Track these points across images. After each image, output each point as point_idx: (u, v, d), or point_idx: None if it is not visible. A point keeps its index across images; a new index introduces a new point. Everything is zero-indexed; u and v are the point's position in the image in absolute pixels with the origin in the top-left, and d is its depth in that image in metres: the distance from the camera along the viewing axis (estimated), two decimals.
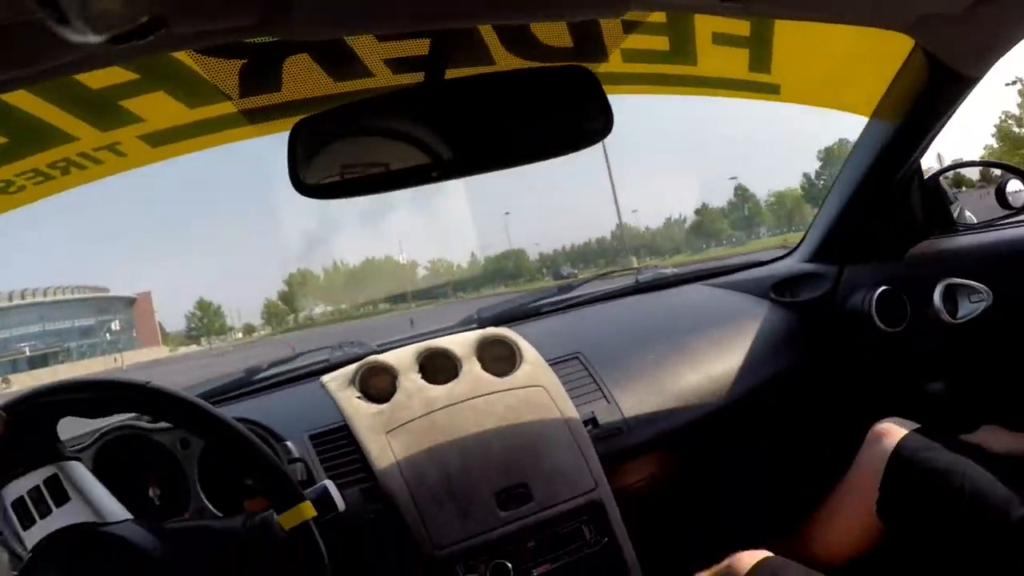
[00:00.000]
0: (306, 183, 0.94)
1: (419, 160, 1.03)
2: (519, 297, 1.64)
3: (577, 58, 1.23)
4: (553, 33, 1.18)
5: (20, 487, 0.72)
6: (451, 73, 0.98)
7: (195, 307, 56.25)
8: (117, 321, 51.56)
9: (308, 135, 0.99)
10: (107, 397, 0.79)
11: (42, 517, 0.71)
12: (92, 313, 49.90)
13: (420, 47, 1.11)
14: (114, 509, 0.75)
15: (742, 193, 51.29)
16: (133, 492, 1.17)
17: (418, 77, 1.14)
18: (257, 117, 1.12)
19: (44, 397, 0.74)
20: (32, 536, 0.71)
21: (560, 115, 1.00)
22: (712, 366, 1.41)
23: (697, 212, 53.98)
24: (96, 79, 1.01)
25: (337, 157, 1.02)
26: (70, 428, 0.89)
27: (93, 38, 0.33)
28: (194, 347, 49.37)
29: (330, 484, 0.87)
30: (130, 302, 53.95)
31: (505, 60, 1.19)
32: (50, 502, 0.71)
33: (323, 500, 0.84)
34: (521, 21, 1.11)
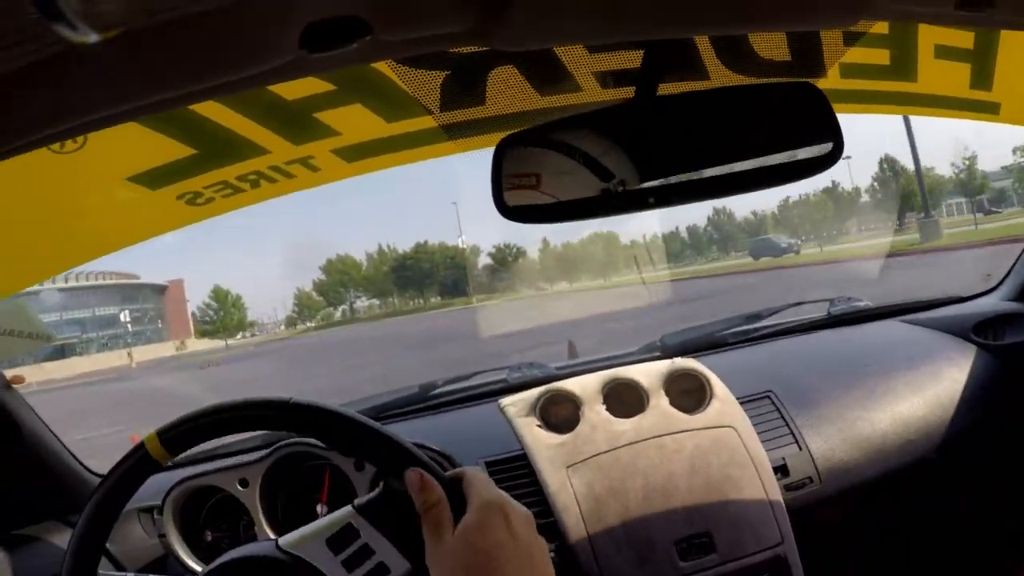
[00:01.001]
0: (509, 205, 0.88)
1: (629, 183, 0.96)
2: (706, 325, 1.54)
3: (794, 73, 1.11)
4: (771, 45, 1.07)
5: None
6: (663, 89, 0.91)
7: (210, 296, 44.54)
8: (143, 310, 46.38)
9: (512, 153, 0.92)
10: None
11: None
12: (117, 301, 45.21)
13: (631, 60, 1.03)
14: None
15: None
16: (300, 509, 1.15)
17: (627, 93, 1.04)
18: (458, 132, 1.05)
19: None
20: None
21: (784, 138, 0.92)
22: (910, 412, 1.28)
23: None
24: (291, 90, 0.95)
25: (540, 178, 0.96)
26: None
27: (92, 36, 0.32)
28: (216, 343, 41.36)
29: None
30: (160, 290, 47.81)
31: (719, 75, 1.09)
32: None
33: None
34: (746, 31, 1.01)
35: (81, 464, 1.16)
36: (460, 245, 48.24)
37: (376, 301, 50.69)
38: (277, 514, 1.15)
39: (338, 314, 49.51)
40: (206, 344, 41.26)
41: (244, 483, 1.14)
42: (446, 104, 1.02)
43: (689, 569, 1.08)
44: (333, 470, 1.15)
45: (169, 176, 1.01)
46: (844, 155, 0.85)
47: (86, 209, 1.03)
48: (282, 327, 50.20)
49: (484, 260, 48.92)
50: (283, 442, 1.15)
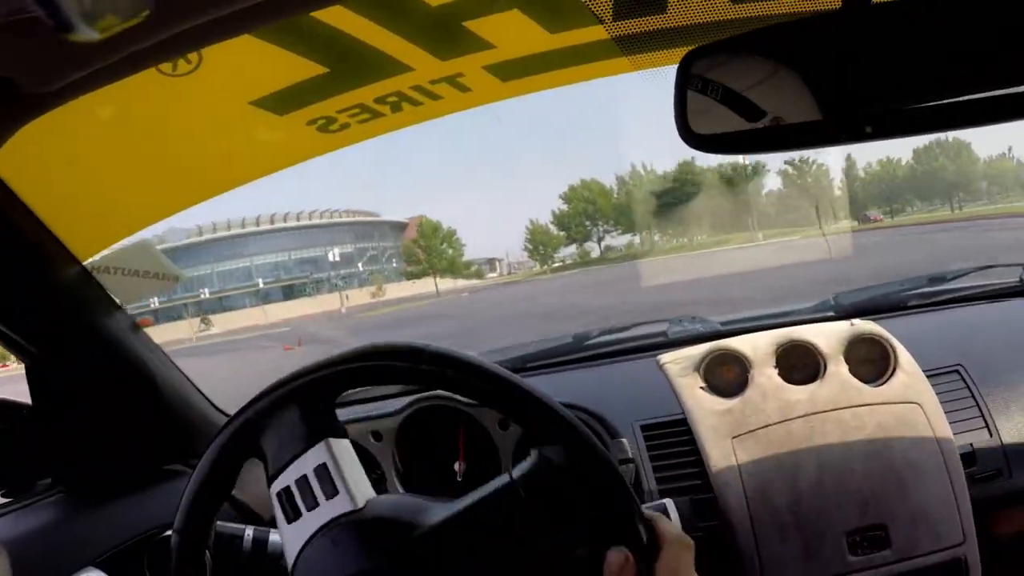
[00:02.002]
0: (696, 132, 0.74)
1: (838, 112, 0.78)
2: (884, 284, 1.36)
3: None
4: None
5: (290, 476, 0.62)
6: None
7: (417, 232, 37.47)
8: (380, 249, 41.61)
9: (699, 71, 0.75)
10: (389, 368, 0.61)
11: (309, 509, 0.60)
12: (351, 239, 40.46)
13: None
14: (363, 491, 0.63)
15: None
16: (436, 465, 1.09)
17: (834, 3, 0.89)
18: (634, 46, 0.87)
19: (324, 370, 0.61)
20: (299, 529, 0.61)
21: None
22: None
23: None
24: None
25: (735, 100, 0.79)
26: None
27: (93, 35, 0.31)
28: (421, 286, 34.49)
29: (671, 505, 0.73)
30: (400, 227, 41.67)
31: None
32: (319, 494, 0.61)
33: None
34: None
35: (215, 406, 1.12)
36: (742, 162, 34.07)
37: (630, 235, 38.37)
38: (411, 469, 1.10)
39: (573, 253, 38.04)
40: (408, 288, 35.06)
41: (377, 436, 1.08)
42: (620, 11, 0.84)
43: (859, 565, 0.98)
44: (473, 426, 1.08)
45: (298, 99, 0.89)
46: None
47: (206, 138, 0.92)
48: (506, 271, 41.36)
49: (773, 183, 36.21)
50: (423, 394, 1.08)
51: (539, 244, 37.80)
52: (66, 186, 0.94)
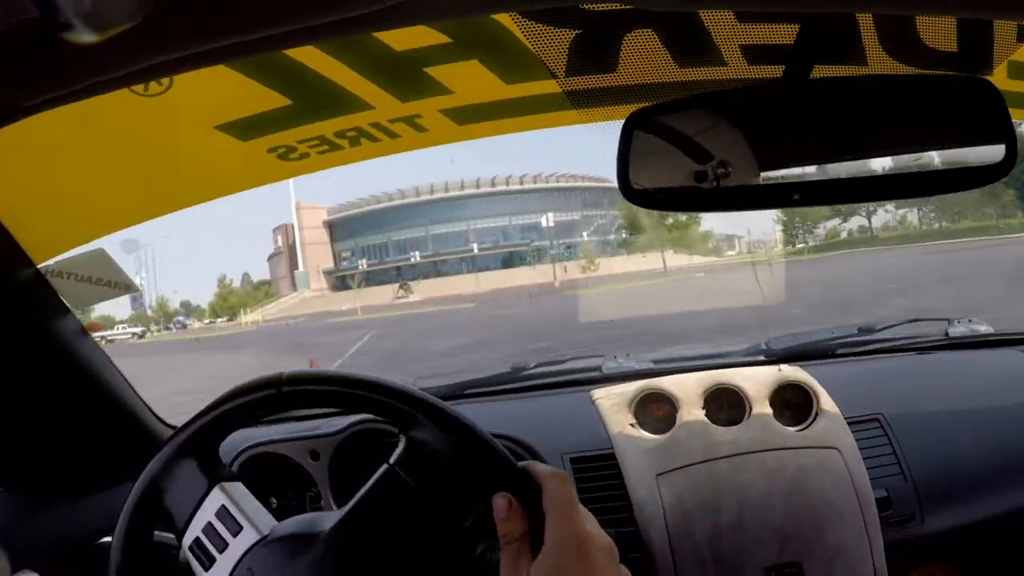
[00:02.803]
0: (635, 187, 0.80)
1: (773, 175, 0.86)
2: (815, 332, 1.42)
3: (957, 67, 0.97)
4: (939, 33, 0.92)
5: (196, 526, 0.64)
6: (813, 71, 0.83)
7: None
8: (608, 217, 37.72)
9: (643, 129, 0.81)
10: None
11: (221, 551, 0.63)
12: (577, 206, 37.76)
13: (784, 34, 0.90)
14: (265, 520, 0.66)
15: None
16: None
17: (775, 72, 0.93)
18: (583, 101, 0.92)
19: (201, 419, 0.63)
20: (218, 573, 0.63)
21: (949, 140, 0.80)
22: None
23: None
24: (400, 40, 0.84)
25: (673, 160, 0.85)
26: None
27: (92, 37, 0.32)
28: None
29: None
30: None
31: (877, 60, 0.95)
32: (226, 535, 0.63)
33: None
34: (932, 13, 0.88)
35: (157, 417, 1.13)
36: None
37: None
38: (346, 488, 1.12)
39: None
40: (632, 263, 29.72)
41: (315, 456, 1.10)
42: (573, 68, 0.89)
43: None
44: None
45: (261, 127, 0.92)
46: None
47: (169, 157, 0.95)
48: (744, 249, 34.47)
49: None
50: (359, 417, 1.10)
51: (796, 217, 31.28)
52: (26, 189, 0.96)
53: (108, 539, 0.72)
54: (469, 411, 0.69)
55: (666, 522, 1.04)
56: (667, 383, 1.15)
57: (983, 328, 1.38)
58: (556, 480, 0.55)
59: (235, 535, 0.62)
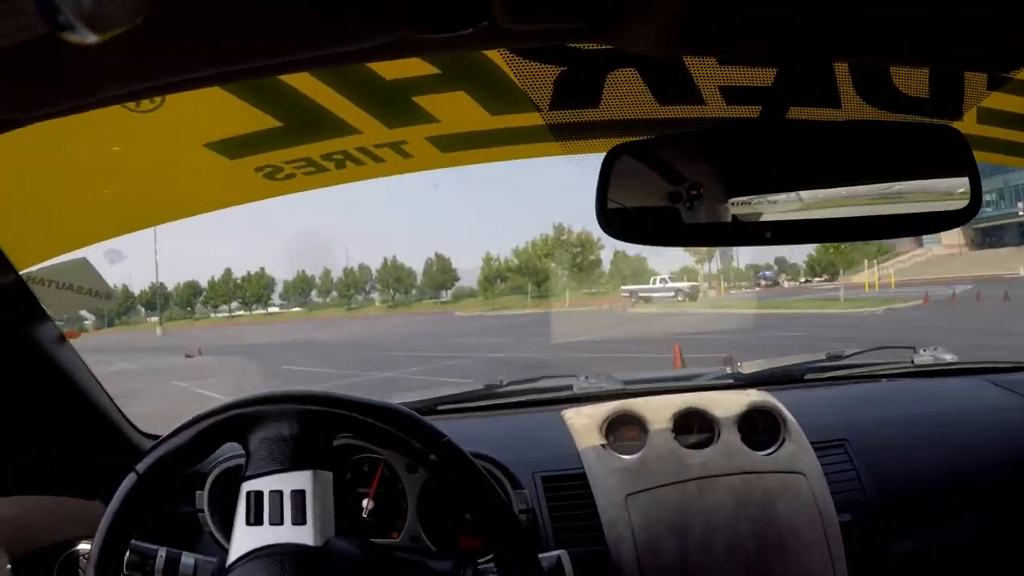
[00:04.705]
0: (612, 220, 0.81)
1: (746, 213, 0.89)
2: (784, 358, 1.46)
3: (929, 112, 1.02)
4: (912, 80, 0.97)
5: (267, 483, 0.66)
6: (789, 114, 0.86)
7: None
8: None
9: (623, 164, 0.83)
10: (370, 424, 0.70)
11: (272, 524, 0.65)
12: None
13: (762, 77, 0.94)
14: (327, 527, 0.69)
15: None
16: (344, 503, 1.12)
17: (751, 112, 0.99)
18: (565, 134, 0.95)
19: (325, 407, 0.68)
20: (249, 535, 0.66)
21: (918, 184, 0.82)
22: (993, 483, 1.19)
23: None
24: (390, 70, 0.88)
25: (651, 194, 0.88)
26: None
27: (92, 38, 0.32)
28: None
29: (565, 557, 0.78)
30: None
31: (851, 104, 0.99)
32: (287, 515, 0.65)
33: (555, 572, 0.76)
34: (906, 64, 0.92)
35: (133, 426, 1.13)
36: None
37: None
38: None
39: None
40: None
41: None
42: (557, 102, 0.93)
43: None
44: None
45: (250, 146, 0.94)
46: None
47: (158, 172, 0.96)
48: None
49: None
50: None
51: None
52: (13, 196, 0.97)
53: (85, 546, 0.73)
54: (443, 427, 0.72)
55: (635, 543, 1.06)
56: (637, 405, 1.17)
57: (948, 356, 1.42)
58: None
59: (294, 523, 0.64)
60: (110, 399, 1.11)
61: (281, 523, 0.66)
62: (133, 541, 0.73)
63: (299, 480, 0.66)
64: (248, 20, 0.46)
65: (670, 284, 24.30)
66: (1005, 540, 1.18)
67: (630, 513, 1.07)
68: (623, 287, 25.96)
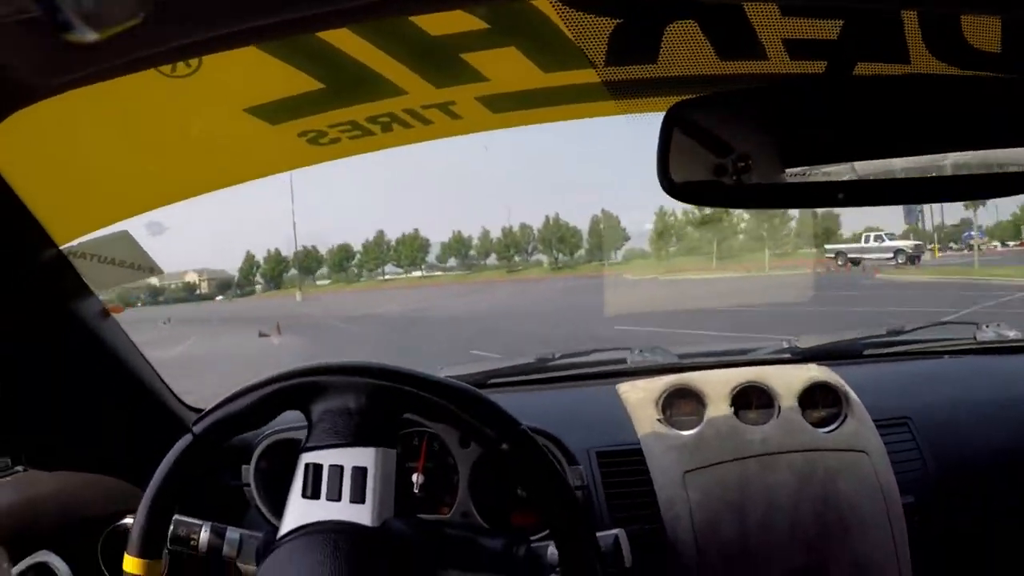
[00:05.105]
0: (676, 181, 0.77)
1: (815, 173, 0.83)
2: (844, 333, 1.40)
3: (999, 68, 0.94)
4: (985, 35, 0.90)
5: (328, 456, 0.64)
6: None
7: None
8: None
9: (684, 122, 0.78)
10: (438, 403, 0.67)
11: (330, 499, 0.63)
12: None
13: (827, 30, 0.87)
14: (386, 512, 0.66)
15: None
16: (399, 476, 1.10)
17: (817, 67, 0.92)
18: (623, 91, 0.89)
19: (397, 383, 0.65)
20: (304, 508, 0.64)
21: (994, 142, 0.76)
22: None
23: None
24: (437, 24, 0.82)
25: (714, 154, 0.83)
26: None
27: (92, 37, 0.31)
28: None
29: (622, 536, 0.75)
30: None
31: (920, 60, 0.92)
32: (346, 492, 0.63)
33: (612, 552, 0.73)
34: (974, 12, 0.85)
35: (180, 400, 1.12)
36: None
37: None
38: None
39: None
40: None
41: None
42: (613, 58, 0.87)
43: None
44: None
45: (292, 111, 0.90)
46: None
47: (197, 139, 0.93)
48: None
49: None
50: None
51: None
52: (51, 170, 0.94)
53: (130, 520, 0.71)
54: (496, 400, 0.69)
55: (692, 522, 1.03)
56: (695, 379, 1.14)
57: (1012, 333, 1.36)
58: None
59: (352, 501, 0.62)
60: (156, 373, 1.10)
61: (339, 499, 0.63)
62: (176, 516, 0.71)
63: (362, 457, 0.63)
64: None
65: (887, 243, 18.55)
66: None
67: (688, 491, 1.04)
68: (827, 246, 20.31)
